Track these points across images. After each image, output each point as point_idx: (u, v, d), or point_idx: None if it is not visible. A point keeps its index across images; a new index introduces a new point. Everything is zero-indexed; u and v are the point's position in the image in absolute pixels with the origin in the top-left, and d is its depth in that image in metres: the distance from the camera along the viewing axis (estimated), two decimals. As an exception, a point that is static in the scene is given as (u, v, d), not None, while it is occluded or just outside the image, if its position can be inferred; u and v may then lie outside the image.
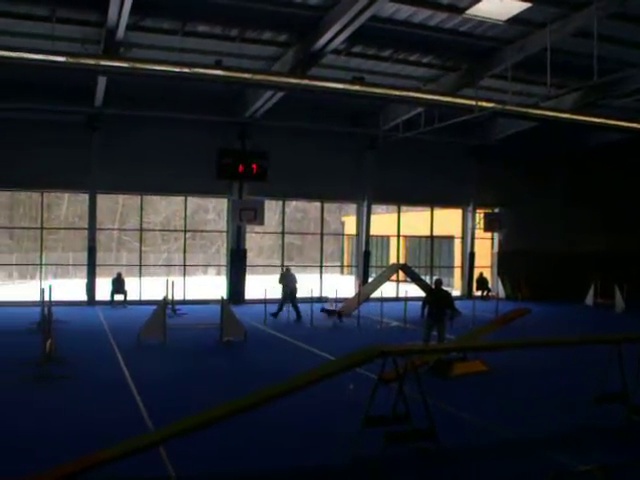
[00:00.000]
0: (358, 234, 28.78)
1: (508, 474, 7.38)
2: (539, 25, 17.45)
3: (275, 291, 21.50)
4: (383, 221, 35.14)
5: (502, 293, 28.66)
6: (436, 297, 14.54)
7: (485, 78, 21.01)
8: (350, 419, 8.15)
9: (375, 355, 7.69)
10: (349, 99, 21.53)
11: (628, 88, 21.16)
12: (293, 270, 22.32)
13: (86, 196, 25.03)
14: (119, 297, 24.12)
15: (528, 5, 16.22)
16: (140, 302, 24.25)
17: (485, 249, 30.69)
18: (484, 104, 20.24)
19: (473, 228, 29.87)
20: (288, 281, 21.43)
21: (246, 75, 18.36)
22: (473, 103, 19.91)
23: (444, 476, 7.37)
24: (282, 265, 27.73)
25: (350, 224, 36.83)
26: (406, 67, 21.48)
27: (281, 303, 21.32)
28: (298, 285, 21.33)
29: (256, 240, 43.89)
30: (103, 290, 24.41)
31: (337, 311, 21.11)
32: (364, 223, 28.16)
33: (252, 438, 8.38)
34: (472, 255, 29.97)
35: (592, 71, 15.81)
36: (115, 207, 45.52)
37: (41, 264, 26.35)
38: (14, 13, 17.26)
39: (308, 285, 22.46)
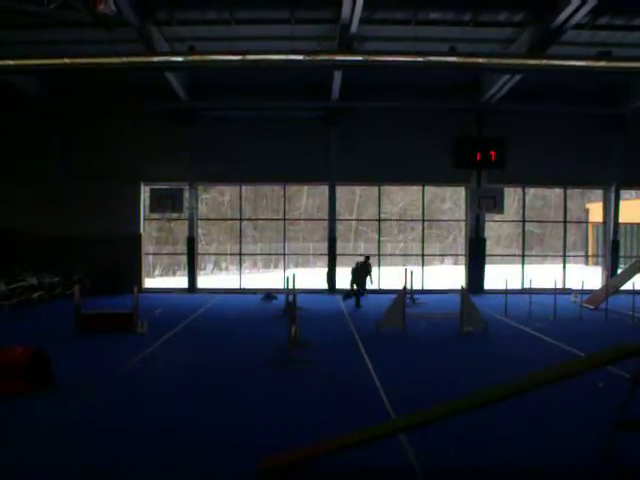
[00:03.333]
0: (605, 222, 26.83)
1: None
2: None
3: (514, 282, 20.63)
4: (633, 207, 32.52)
5: None
6: None
7: None
8: (600, 420, 7.51)
9: (631, 352, 6.97)
10: (593, 77, 20.09)
11: None
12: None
13: (324, 188, 25.95)
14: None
15: None
16: (379, 291, 24.65)
17: None
18: None
19: None
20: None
21: (481, 60, 17.89)
22: None
23: None
24: (523, 255, 26.76)
25: (595, 211, 34.59)
26: (661, 36, 19.56)
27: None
28: None
29: (494, 229, 42.82)
30: (342, 279, 25.12)
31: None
32: (612, 210, 26.17)
33: (494, 431, 8.03)
34: None
35: None
36: (352, 198, 46.73)
37: (284, 254, 27.82)
38: (255, 19, 18.43)
39: (550, 276, 21.32)
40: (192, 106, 24.34)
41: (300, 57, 17.98)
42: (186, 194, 25.06)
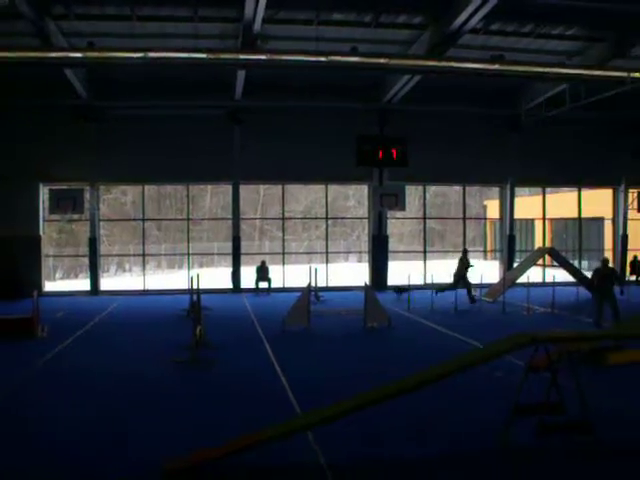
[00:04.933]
0: (502, 218, 27.97)
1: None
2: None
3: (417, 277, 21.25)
4: (527, 204, 33.97)
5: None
6: (603, 275, 15.60)
7: (638, 47, 19.68)
8: (497, 407, 7.89)
9: (526, 342, 7.35)
10: (488, 79, 20.89)
11: None
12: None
13: (229, 187, 25.87)
14: (263, 285, 24.78)
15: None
16: (283, 289, 24.81)
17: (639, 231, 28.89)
18: (637, 75, 18.97)
19: (625, 208, 28.20)
20: None
21: (382, 60, 18.26)
22: (625, 75, 18.72)
23: (600, 472, 6.94)
24: (424, 251, 27.54)
25: (492, 208, 35.95)
26: (549, 42, 20.59)
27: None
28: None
29: (397, 226, 43.71)
30: (247, 278, 25.17)
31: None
32: (508, 206, 27.31)
33: (397, 424, 8.27)
34: (625, 237, 28.32)
35: None
36: (256, 197, 46.73)
37: (188, 254, 27.56)
38: (158, 16, 18.18)
39: (451, 270, 22.02)
40: (94, 104, 23.72)
41: (203, 55, 17.88)
42: (87, 194, 24.39)
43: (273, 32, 18.99)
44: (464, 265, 21.08)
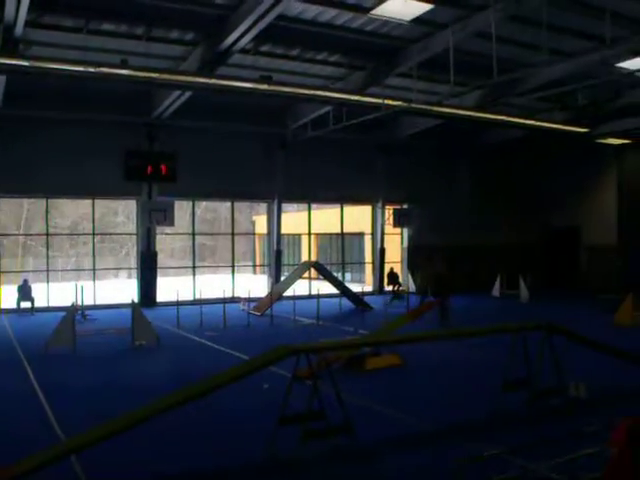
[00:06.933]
0: (269, 233, 28.79)
1: (422, 463, 7.54)
2: (442, 26, 17.90)
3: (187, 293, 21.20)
4: (294, 219, 35.27)
5: (413, 287, 29.23)
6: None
7: (391, 77, 21.37)
8: (266, 419, 8.16)
9: (287, 353, 7.72)
10: (257, 98, 21.46)
11: (524, 87, 22.01)
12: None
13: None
14: (26, 304, 23.23)
15: (431, 6, 16.60)
16: (48, 309, 23.49)
17: (395, 244, 31.24)
18: (390, 102, 20.61)
19: (383, 224, 30.35)
20: None
21: (153, 74, 18.02)
22: (380, 101, 20.22)
23: (363, 469, 7.47)
24: (194, 266, 27.53)
25: (261, 223, 36.83)
26: (314, 66, 21.61)
27: None
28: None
29: (167, 242, 43.25)
30: (8, 298, 23.49)
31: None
32: (275, 222, 28.18)
33: (167, 442, 8.27)
34: (382, 251, 30.45)
35: (492, 70, 16.30)
36: (20, 211, 43.94)
37: None
38: None
39: (222, 286, 22.29)
40: None
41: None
42: None
43: (37, 37, 18.01)
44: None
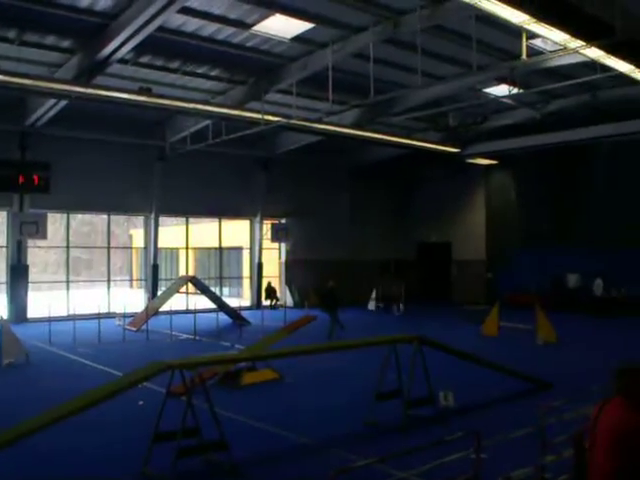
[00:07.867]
0: (146, 247, 28.21)
1: (298, 475, 7.63)
2: (322, 45, 18.32)
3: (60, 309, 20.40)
4: (172, 233, 34.78)
5: (290, 301, 29.46)
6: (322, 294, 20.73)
7: (271, 93, 21.55)
8: (141, 437, 8.01)
9: (161, 369, 7.63)
10: (136, 110, 21.12)
11: (400, 107, 22.85)
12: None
13: None
14: None
15: (312, 25, 16.98)
16: None
17: (273, 259, 31.39)
18: (270, 118, 20.77)
19: (261, 238, 30.45)
20: None
21: (26, 81, 17.33)
22: (259, 116, 20.34)
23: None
24: (67, 280, 26.56)
25: (138, 237, 36.07)
26: (194, 79, 21.50)
27: None
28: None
29: (40, 255, 41.46)
30: None
31: None
32: (152, 236, 27.64)
33: (36, 464, 7.96)
34: (260, 265, 30.51)
35: (369, 90, 16.78)
36: None
37: None
38: None
39: (97, 301, 21.65)
40: None
41: None
42: None
43: None
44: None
